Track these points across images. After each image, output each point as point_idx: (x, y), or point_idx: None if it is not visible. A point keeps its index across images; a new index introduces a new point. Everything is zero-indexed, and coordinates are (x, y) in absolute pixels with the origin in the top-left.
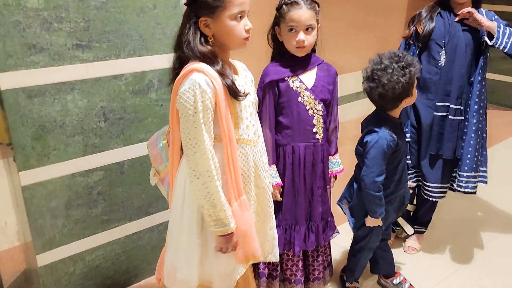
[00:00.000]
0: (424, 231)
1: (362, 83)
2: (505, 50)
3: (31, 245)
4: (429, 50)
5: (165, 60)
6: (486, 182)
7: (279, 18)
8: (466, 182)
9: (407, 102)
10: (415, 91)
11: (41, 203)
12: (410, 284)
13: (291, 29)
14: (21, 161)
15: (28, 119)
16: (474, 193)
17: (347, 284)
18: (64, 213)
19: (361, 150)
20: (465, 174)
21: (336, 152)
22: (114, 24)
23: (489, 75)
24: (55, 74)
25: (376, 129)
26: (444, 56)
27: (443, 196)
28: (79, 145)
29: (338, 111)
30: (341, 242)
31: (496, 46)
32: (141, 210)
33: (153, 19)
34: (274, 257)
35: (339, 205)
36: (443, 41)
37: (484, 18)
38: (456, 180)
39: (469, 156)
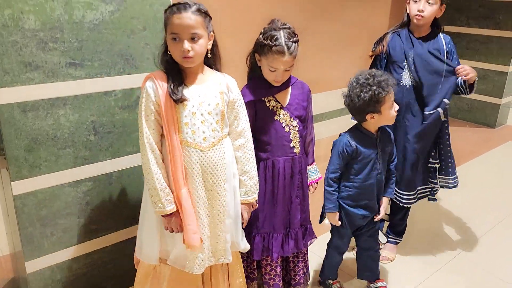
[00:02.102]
0: (399, 242)
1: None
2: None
3: (20, 253)
4: (390, 71)
5: None
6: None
7: (261, 50)
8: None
9: (375, 119)
10: (386, 112)
11: (31, 212)
12: None
13: (271, 70)
14: (13, 172)
15: (22, 132)
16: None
17: (329, 283)
18: (53, 222)
19: None
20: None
21: (313, 161)
22: (106, 44)
23: None
24: (48, 90)
25: (342, 134)
26: (406, 77)
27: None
28: (69, 157)
29: (313, 125)
30: (321, 252)
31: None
32: (127, 220)
33: (142, 40)
34: (227, 259)
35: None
36: (404, 63)
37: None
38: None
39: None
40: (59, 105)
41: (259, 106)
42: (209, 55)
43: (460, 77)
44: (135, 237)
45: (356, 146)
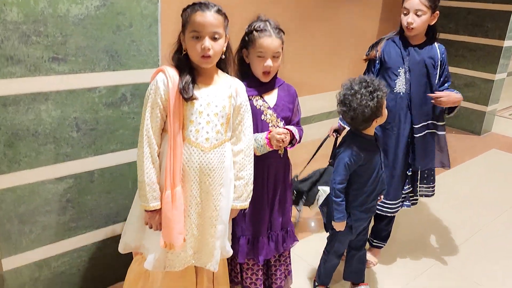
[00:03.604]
0: (382, 247)
1: (337, 106)
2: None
3: None
4: (384, 77)
5: (138, 75)
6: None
7: (247, 42)
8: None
9: (378, 122)
10: (385, 111)
11: (9, 208)
12: None
13: (260, 56)
14: None
15: (1, 126)
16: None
17: (316, 284)
18: (32, 219)
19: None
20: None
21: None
22: (90, 40)
23: None
24: (30, 85)
25: (345, 143)
26: (400, 84)
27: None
28: (50, 153)
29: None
30: (306, 256)
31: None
32: (108, 219)
33: (128, 36)
34: (212, 267)
35: (320, 209)
36: (399, 70)
37: (447, 99)
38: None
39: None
40: (41, 100)
41: None
42: (223, 56)
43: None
44: (116, 236)
45: (364, 155)
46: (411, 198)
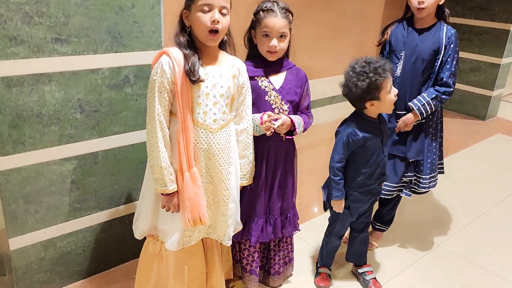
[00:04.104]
0: (385, 230)
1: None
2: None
3: (4, 230)
4: (391, 60)
5: (141, 57)
6: (442, 172)
7: (255, 22)
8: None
9: (375, 106)
10: (385, 97)
11: (15, 189)
12: (374, 278)
13: (266, 35)
14: None
15: (6, 107)
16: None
17: (318, 266)
18: (37, 200)
19: None
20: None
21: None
22: (93, 21)
23: (458, 86)
24: (33, 66)
25: (345, 123)
26: (401, 67)
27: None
28: (54, 135)
29: (310, 107)
30: (308, 238)
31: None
32: (112, 200)
33: (131, 17)
34: (225, 242)
35: (322, 189)
36: (401, 54)
37: (403, 124)
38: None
39: (428, 160)
40: (45, 81)
41: (251, 85)
42: (225, 37)
43: (435, 90)
44: (119, 218)
45: (362, 135)
46: (411, 186)
